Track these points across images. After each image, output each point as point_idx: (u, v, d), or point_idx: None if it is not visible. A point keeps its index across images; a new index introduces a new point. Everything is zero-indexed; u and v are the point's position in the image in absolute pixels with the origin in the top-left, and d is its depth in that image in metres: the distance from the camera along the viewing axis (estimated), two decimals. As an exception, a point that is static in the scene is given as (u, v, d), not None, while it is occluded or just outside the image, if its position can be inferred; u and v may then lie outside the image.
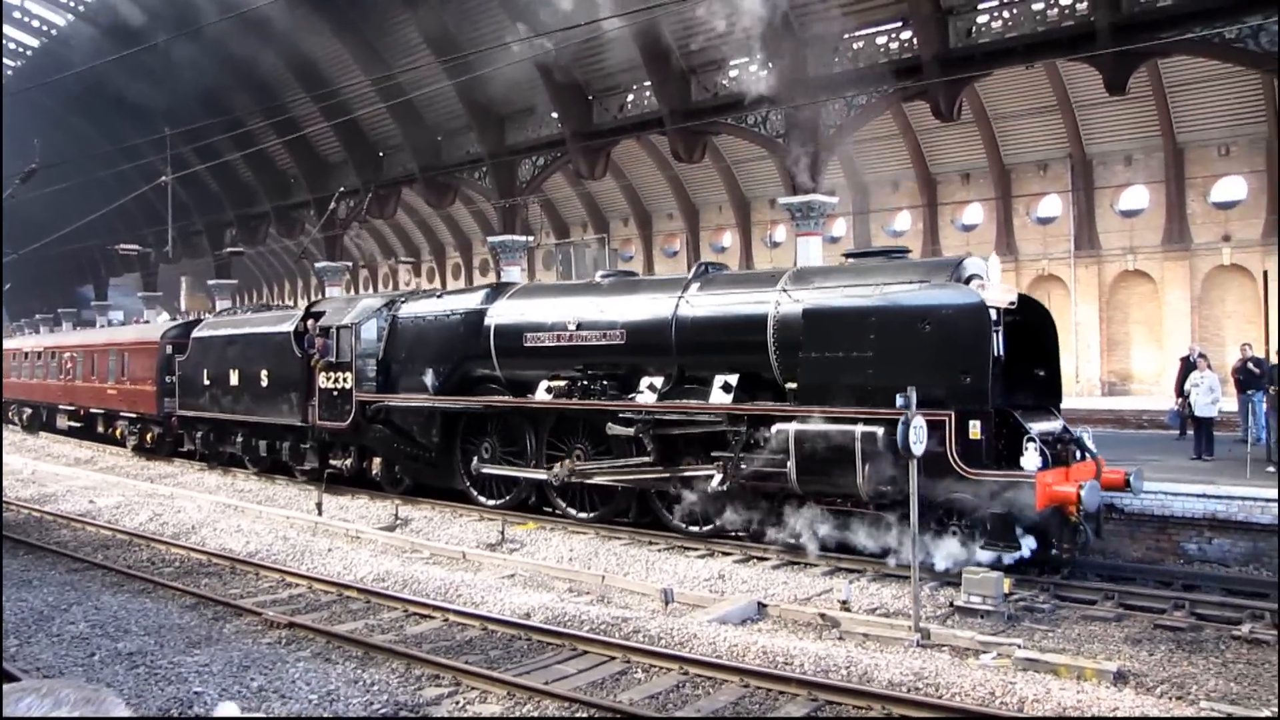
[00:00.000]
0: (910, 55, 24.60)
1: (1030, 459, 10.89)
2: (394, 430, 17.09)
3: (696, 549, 13.18)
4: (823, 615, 9.93)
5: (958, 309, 11.24)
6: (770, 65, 26.04)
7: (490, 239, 35.73)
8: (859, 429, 11.16)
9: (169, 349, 24.18)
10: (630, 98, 30.02)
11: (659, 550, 13.26)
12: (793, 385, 12.37)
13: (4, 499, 17.22)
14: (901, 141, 33.47)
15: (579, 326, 14.70)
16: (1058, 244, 32.08)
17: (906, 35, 24.84)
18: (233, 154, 37.37)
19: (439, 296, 17.95)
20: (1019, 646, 8.81)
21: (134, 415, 25.93)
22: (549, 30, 24.53)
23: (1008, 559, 10.86)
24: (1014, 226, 32.88)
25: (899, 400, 9.77)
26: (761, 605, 10.39)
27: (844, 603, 10.30)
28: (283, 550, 13.36)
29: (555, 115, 30.97)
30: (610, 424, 13.80)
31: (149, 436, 25.55)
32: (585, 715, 7.32)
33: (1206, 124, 28.59)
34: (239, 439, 21.48)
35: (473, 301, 16.66)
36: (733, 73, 27.82)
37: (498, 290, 16.89)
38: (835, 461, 11.36)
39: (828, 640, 9.32)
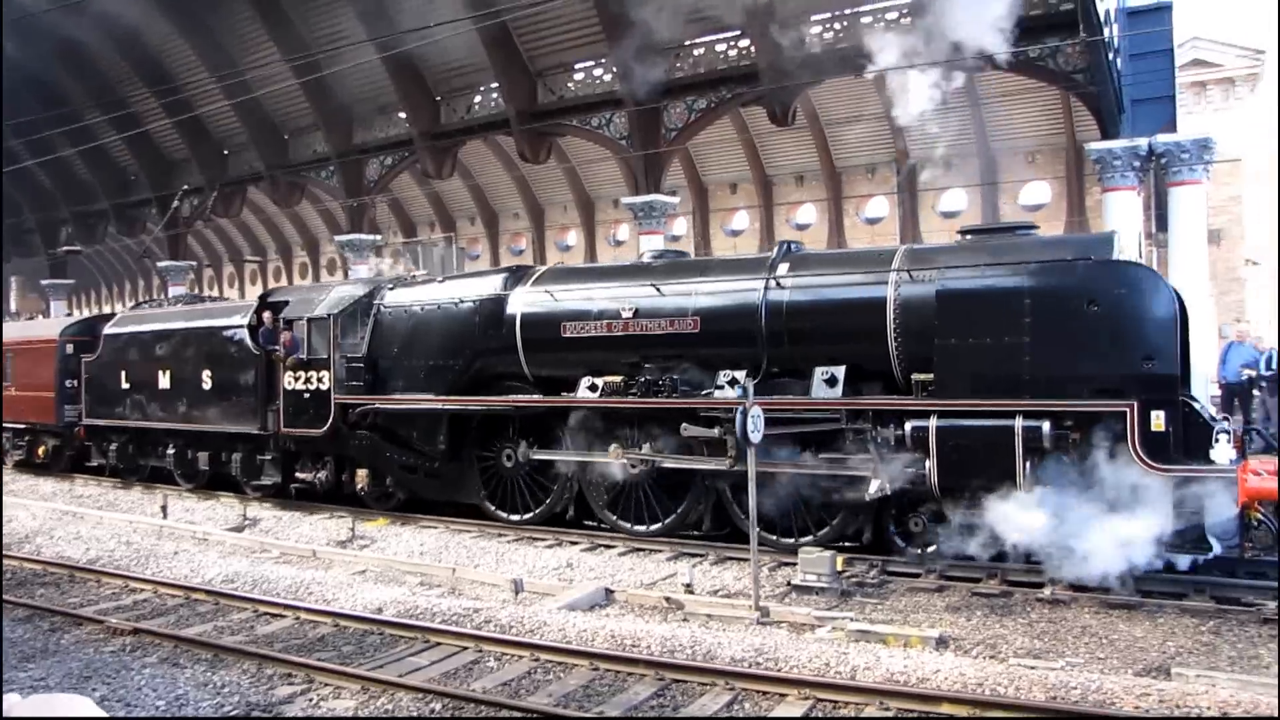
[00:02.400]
0: (748, 62, 25.46)
1: (1223, 451, 9.80)
2: (386, 437, 15.00)
3: (544, 539, 13.45)
4: (668, 599, 10.34)
5: (1138, 287, 10.11)
6: (614, 69, 26.52)
7: (338, 238, 35.20)
8: (1019, 423, 10.06)
9: (69, 348, 20.89)
10: (478, 99, 30.09)
11: (508, 542, 13.48)
12: (921, 376, 10.96)
13: None
14: (739, 144, 34.47)
15: (636, 314, 12.81)
16: (885, 243, 33.65)
17: (745, 43, 25.68)
18: (68, 149, 35.65)
19: (440, 282, 15.59)
20: (851, 620, 9.36)
21: (22, 426, 22.34)
22: (396, 31, 24.44)
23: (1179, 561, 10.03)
24: (844, 226, 34.35)
25: (736, 390, 10.22)
26: (609, 591, 10.72)
27: (687, 586, 10.69)
28: (126, 556, 12.99)
29: (403, 115, 30.78)
30: (686, 424, 12.01)
31: (40, 450, 22.06)
32: (439, 705, 7.47)
33: (1015, 133, 30.68)
34: (170, 451, 18.46)
35: (489, 287, 14.31)
36: (578, 75, 28.21)
37: (517, 274, 14.53)
38: (989, 460, 10.19)
39: (673, 622, 9.72)
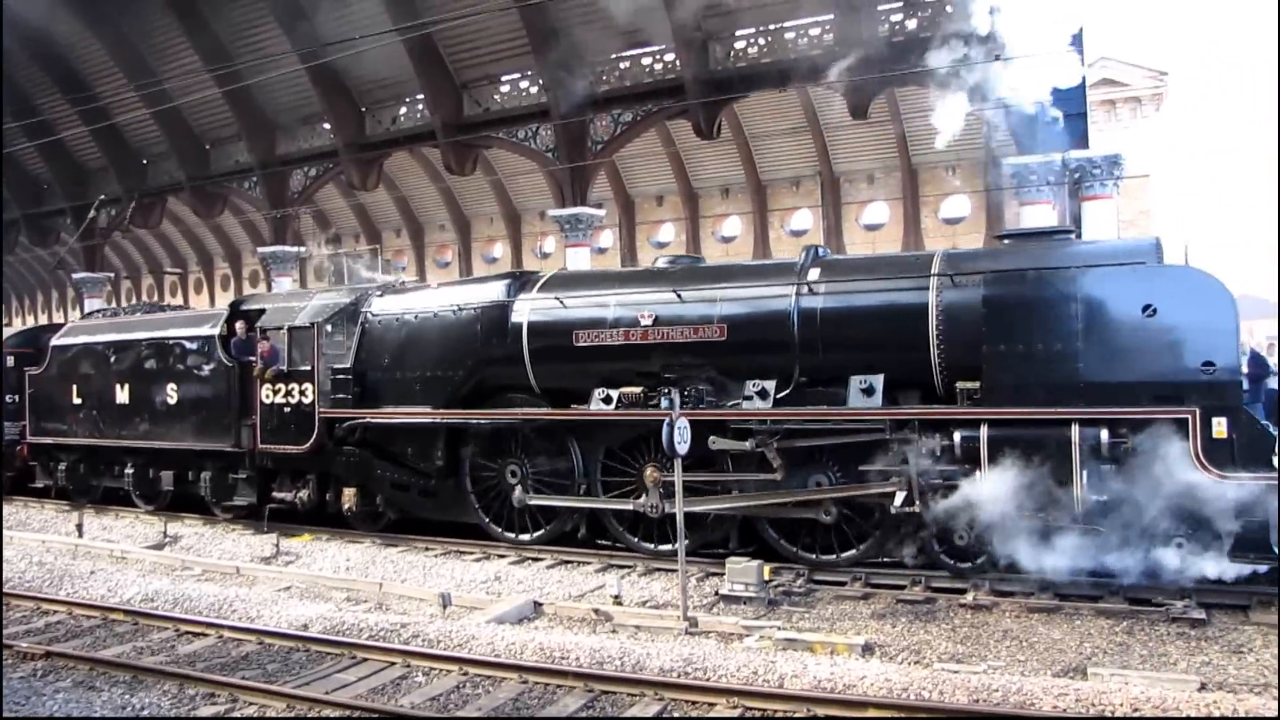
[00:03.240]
0: (673, 76, 25.67)
1: None
2: (376, 453, 14.20)
3: (472, 552, 13.36)
4: (596, 610, 10.34)
5: (1197, 292, 9.91)
6: (540, 82, 26.58)
7: (261, 250, 34.69)
8: (1075, 432, 9.81)
9: (10, 361, 19.58)
10: (403, 110, 29.95)
11: (435, 555, 13.38)
12: (966, 385, 10.69)
13: None
14: (665, 157, 34.69)
15: (657, 321, 12.26)
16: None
17: (670, 57, 25.88)
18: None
19: (435, 288, 14.87)
20: (779, 628, 9.49)
21: None
22: (320, 43, 24.22)
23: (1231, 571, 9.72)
24: (769, 239, 34.72)
25: (664, 401, 10.28)
26: (537, 604, 10.70)
27: (616, 597, 10.73)
28: (38, 576, 12.58)
29: (328, 126, 30.46)
30: (714, 437, 11.56)
31: None
32: (367, 721, 7.40)
33: (936, 148, 31.24)
34: (128, 471, 17.21)
35: (491, 294, 13.54)
36: (504, 88, 28.20)
37: (520, 280, 13.74)
38: (1043, 472, 9.92)
39: (602, 634, 9.75)
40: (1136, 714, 6.79)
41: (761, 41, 25.11)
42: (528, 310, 13.10)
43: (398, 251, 43.44)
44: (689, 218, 36.07)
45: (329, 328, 14.67)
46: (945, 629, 9.56)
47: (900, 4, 23.30)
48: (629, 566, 12.25)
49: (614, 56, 26.68)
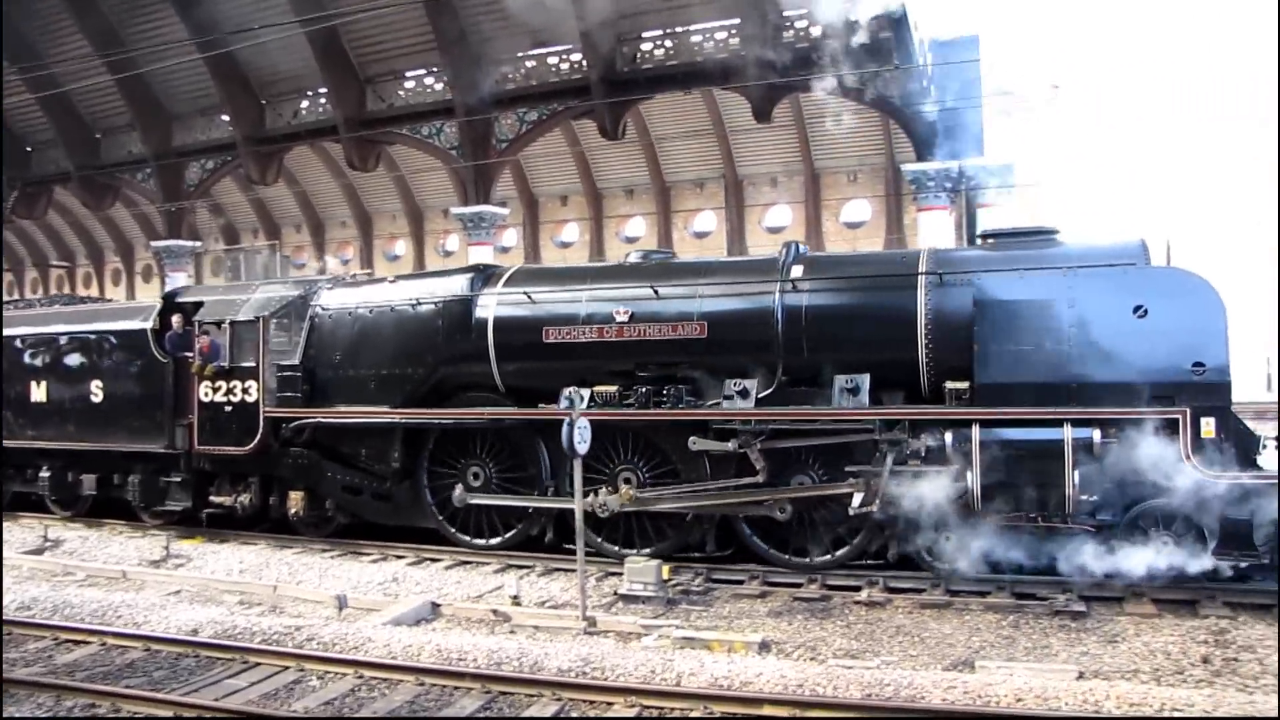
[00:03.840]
0: (580, 76, 25.67)
1: (1273, 458, 9.96)
2: (327, 455, 13.47)
3: (370, 553, 13.17)
4: (495, 611, 10.27)
5: (1186, 293, 10.01)
6: (445, 79, 26.35)
7: (154, 243, 33.71)
8: (1068, 432, 9.79)
9: None
10: (305, 104, 29.47)
11: (332, 557, 13.14)
12: (955, 385, 10.54)
13: None
14: (570, 157, 34.66)
15: (633, 318, 11.85)
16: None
17: (577, 57, 25.88)
18: None
19: (391, 282, 14.05)
20: (677, 627, 9.54)
21: None
22: (219, 33, 23.65)
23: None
24: (674, 240, 34.94)
25: (563, 402, 10.25)
26: (435, 605, 10.58)
27: (515, 598, 10.66)
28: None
29: (226, 118, 29.72)
30: (694, 438, 11.31)
31: None
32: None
33: (838, 153, 31.92)
34: (44, 474, 15.80)
35: (453, 288, 12.94)
36: (409, 84, 27.88)
37: (483, 274, 13.15)
38: (1036, 472, 9.86)
39: (500, 635, 9.68)
40: (1020, 704, 6.99)
41: (668, 44, 25.30)
42: (493, 305, 12.56)
43: (298, 247, 42.62)
44: (593, 218, 36.13)
45: (275, 322, 13.86)
46: (840, 626, 9.72)
47: (805, 11, 23.64)
48: (528, 567, 12.19)
49: (520, 55, 26.63)
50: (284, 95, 29.66)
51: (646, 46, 25.52)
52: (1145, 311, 9.96)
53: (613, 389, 11.85)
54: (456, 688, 7.89)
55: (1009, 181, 23.47)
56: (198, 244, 33.86)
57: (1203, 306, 9.94)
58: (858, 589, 10.69)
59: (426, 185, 37.79)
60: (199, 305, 14.66)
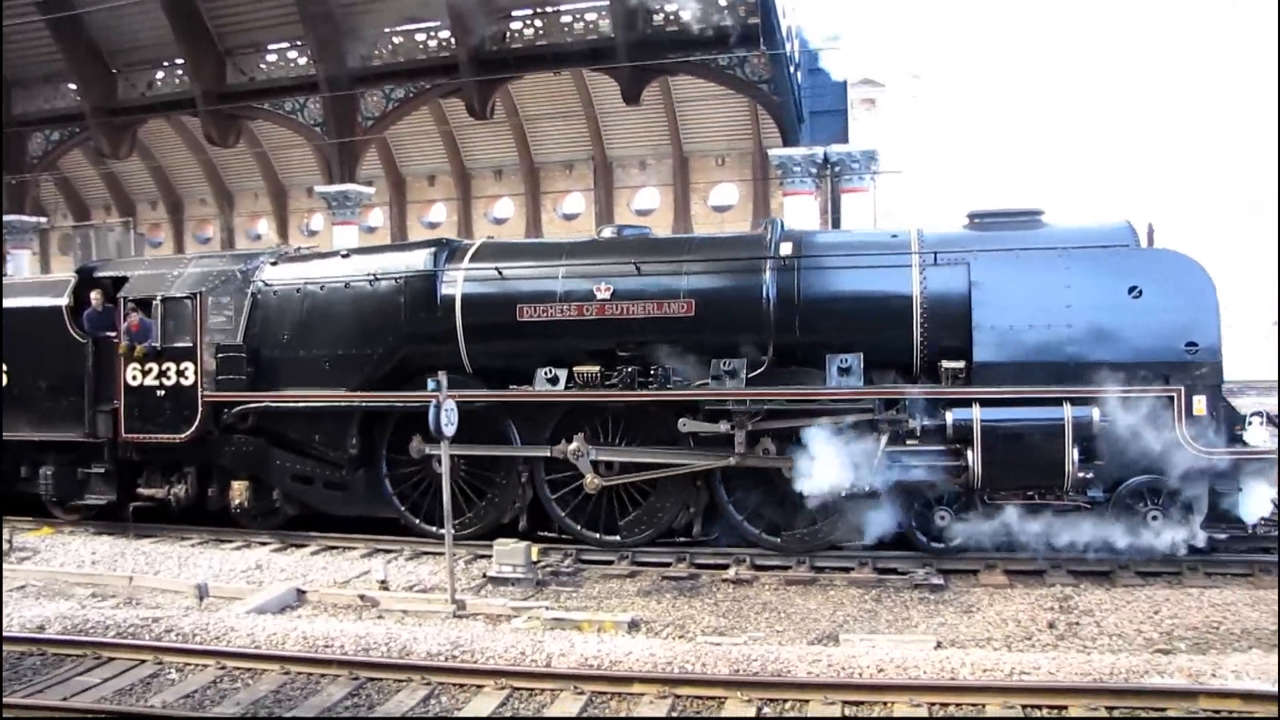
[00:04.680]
0: (448, 54, 25.30)
1: (1256, 434, 10.09)
2: (274, 441, 12.66)
3: (232, 540, 12.77)
4: (362, 596, 10.11)
5: (1179, 274, 10.24)
6: (309, 53, 25.66)
7: (-9, 219, 31.89)
8: (1068, 411, 9.94)
9: None
10: (160, 75, 28.23)
11: (192, 545, 12.71)
12: (951, 365, 10.49)
13: None
14: (438, 136, 34.17)
15: (615, 295, 11.38)
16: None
17: (445, 34, 25.49)
18: None
19: (344, 256, 13.12)
20: (546, 608, 9.55)
21: None
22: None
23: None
24: (543, 221, 34.84)
25: (430, 384, 10.11)
26: (301, 592, 10.36)
27: (382, 582, 10.52)
28: None
29: (74, 87, 28.25)
30: (685, 419, 10.94)
31: None
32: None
33: (706, 137, 32.30)
34: None
35: (415, 262, 12.19)
36: (271, 57, 27.03)
37: (446, 248, 12.41)
38: (1036, 450, 9.98)
39: (368, 620, 9.54)
40: (881, 674, 7.23)
41: (538, 24, 25.13)
42: (460, 281, 11.90)
43: (154, 225, 40.96)
44: (461, 198, 35.73)
45: (213, 299, 12.85)
46: (709, 604, 9.87)
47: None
48: (396, 550, 12.03)
49: (387, 31, 26.07)
50: (137, 65, 28.39)
51: (516, 25, 25.29)
52: (1140, 292, 10.18)
53: (594, 369, 11.39)
54: (323, 675, 7.74)
55: (872, 168, 24.13)
56: (42, 220, 32.18)
57: (1195, 287, 10.20)
58: (725, 567, 10.88)
59: (290, 162, 36.75)
60: (120, 280, 13.52)
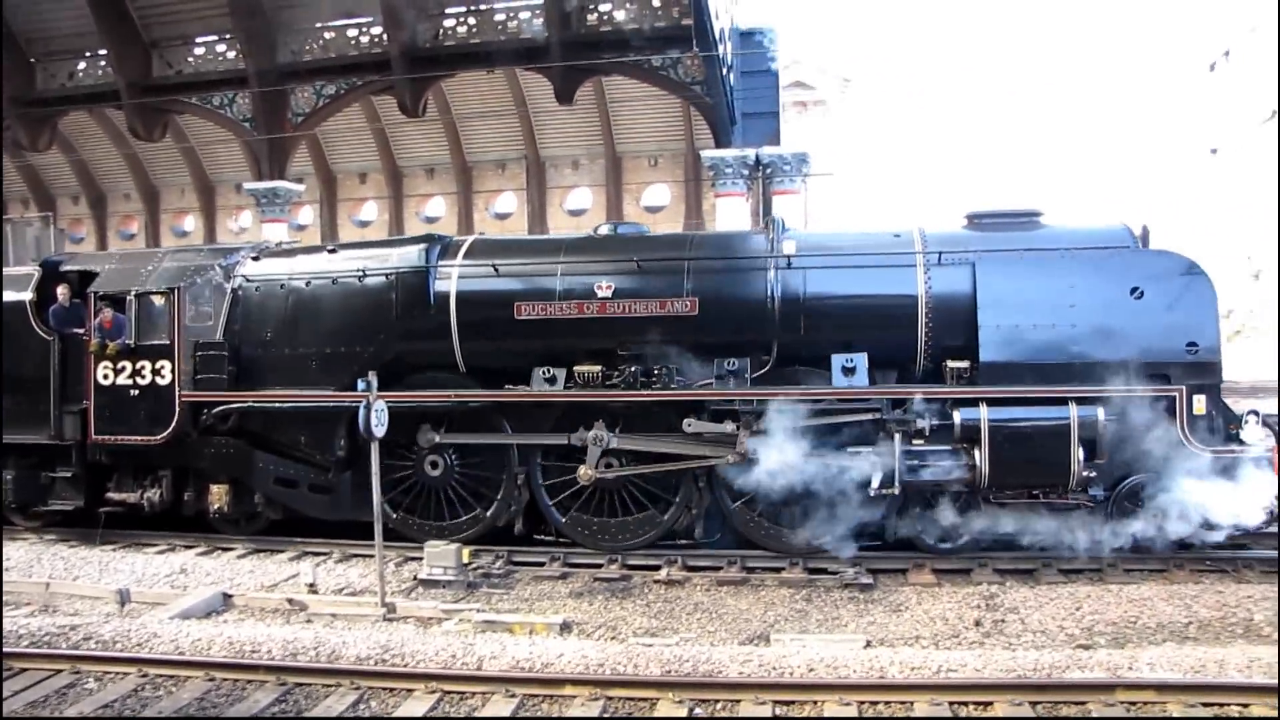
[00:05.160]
0: (380, 50, 25.05)
1: (1253, 432, 10.29)
2: (256, 443, 12.24)
3: (155, 544, 12.50)
4: (290, 600, 9.99)
5: (1179, 275, 10.41)
6: (238, 47, 25.24)
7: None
8: (1074, 410, 10.08)
9: None
10: (82, 66, 27.46)
11: (114, 549, 12.41)
12: (957, 364, 10.61)
13: None
14: (370, 133, 33.80)
15: (616, 293, 11.31)
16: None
17: (377, 31, 25.24)
18: None
19: (330, 251, 12.79)
20: (478, 611, 9.52)
21: None
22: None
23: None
24: (474, 221, 34.63)
25: (360, 384, 9.98)
26: (227, 596, 10.21)
27: (311, 585, 10.38)
28: None
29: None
30: (690, 419, 10.89)
31: None
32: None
33: (639, 137, 32.38)
34: None
35: (407, 258, 11.92)
36: (199, 50, 26.51)
37: (437, 243, 12.17)
38: (1043, 449, 10.11)
39: (296, 624, 9.43)
40: (812, 673, 7.30)
41: (471, 21, 24.96)
42: (455, 278, 11.69)
43: (75, 220, 39.91)
44: (393, 196, 35.37)
45: (191, 295, 12.35)
46: (640, 605, 9.90)
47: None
48: (325, 553, 11.89)
49: (319, 26, 25.73)
50: (58, 55, 27.64)
51: (449, 23, 25.11)
52: (1141, 293, 10.37)
53: (595, 369, 11.26)
54: (249, 681, 7.62)
55: (803, 170, 24.39)
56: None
57: (1195, 288, 10.40)
58: (657, 568, 10.91)
59: (218, 158, 36.03)
60: (89, 275, 12.94)
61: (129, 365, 12.42)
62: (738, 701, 6.99)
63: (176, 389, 12.21)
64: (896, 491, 10.42)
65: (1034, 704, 6.78)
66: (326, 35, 25.92)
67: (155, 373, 12.33)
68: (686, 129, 31.04)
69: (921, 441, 10.52)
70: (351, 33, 25.84)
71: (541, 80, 26.38)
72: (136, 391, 12.38)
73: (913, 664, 7.42)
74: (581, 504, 11.58)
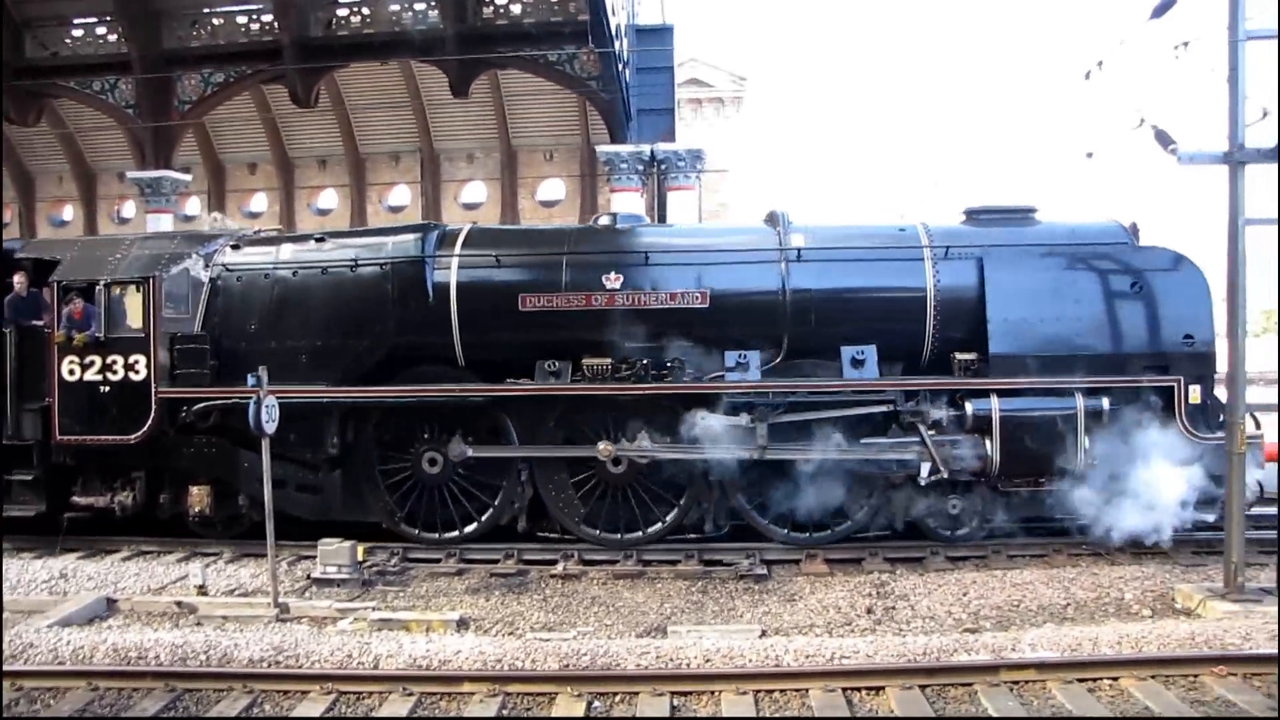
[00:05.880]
0: (271, 39, 24.49)
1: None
2: (241, 441, 11.53)
3: (33, 549, 12.00)
4: (179, 603, 9.72)
5: (1176, 270, 10.76)
6: (120, 30, 24.39)
7: None
8: (1080, 401, 10.44)
9: None
10: (-59, 45, 26.18)
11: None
12: (964, 356, 10.91)
13: None
14: (260, 123, 33.00)
15: (625, 285, 11.14)
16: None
17: (268, 18, 24.66)
18: None
19: (318, 240, 12.20)
20: (373, 609, 9.42)
21: None
22: None
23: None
24: (368, 213, 34.13)
25: (250, 379, 9.78)
26: (111, 601, 9.89)
27: (201, 587, 10.12)
28: None
29: None
30: (703, 413, 10.76)
31: None
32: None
33: (535, 132, 32.28)
34: None
35: (403, 247, 11.54)
36: (77, 32, 25.53)
37: (434, 231, 11.79)
38: (1050, 439, 10.44)
39: (186, 628, 9.18)
40: (708, 664, 7.42)
41: (365, 11, 24.54)
42: (455, 268, 11.36)
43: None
44: (283, 187, 34.60)
45: (171, 283, 11.63)
46: (538, 599, 9.91)
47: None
48: (215, 554, 11.61)
49: (206, 11, 25.01)
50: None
51: (342, 13, 24.65)
52: (1140, 287, 10.76)
53: (605, 362, 11.10)
54: (136, 689, 7.42)
55: (698, 167, 24.64)
56: None
57: (1191, 283, 10.81)
58: (554, 563, 10.94)
59: (99, 145, 34.74)
60: (52, 264, 12.11)
61: (98, 360, 11.62)
62: (636, 694, 7.08)
63: (153, 385, 11.53)
64: (945, 476, 10.70)
65: (923, 687, 7.02)
66: (215, 21, 25.21)
67: (128, 368, 11.59)
68: (582, 124, 31.06)
69: (934, 432, 10.79)
70: (241, 19, 25.18)
71: (436, 73, 26.12)
72: (107, 388, 11.62)
73: (807, 652, 7.60)
74: (581, 500, 11.48)
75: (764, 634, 8.56)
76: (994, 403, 10.59)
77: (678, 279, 11.22)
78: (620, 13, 23.99)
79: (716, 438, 10.80)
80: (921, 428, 10.76)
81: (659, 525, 11.43)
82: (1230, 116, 8.72)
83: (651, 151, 24.19)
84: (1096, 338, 10.77)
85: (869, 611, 9.20)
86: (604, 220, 12.50)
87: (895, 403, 10.90)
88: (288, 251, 12.09)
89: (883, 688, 7.06)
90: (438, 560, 11.18)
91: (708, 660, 7.48)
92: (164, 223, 25.66)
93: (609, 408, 11.20)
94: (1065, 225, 11.66)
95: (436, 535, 11.65)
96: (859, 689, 7.07)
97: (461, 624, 9.05)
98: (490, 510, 11.61)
